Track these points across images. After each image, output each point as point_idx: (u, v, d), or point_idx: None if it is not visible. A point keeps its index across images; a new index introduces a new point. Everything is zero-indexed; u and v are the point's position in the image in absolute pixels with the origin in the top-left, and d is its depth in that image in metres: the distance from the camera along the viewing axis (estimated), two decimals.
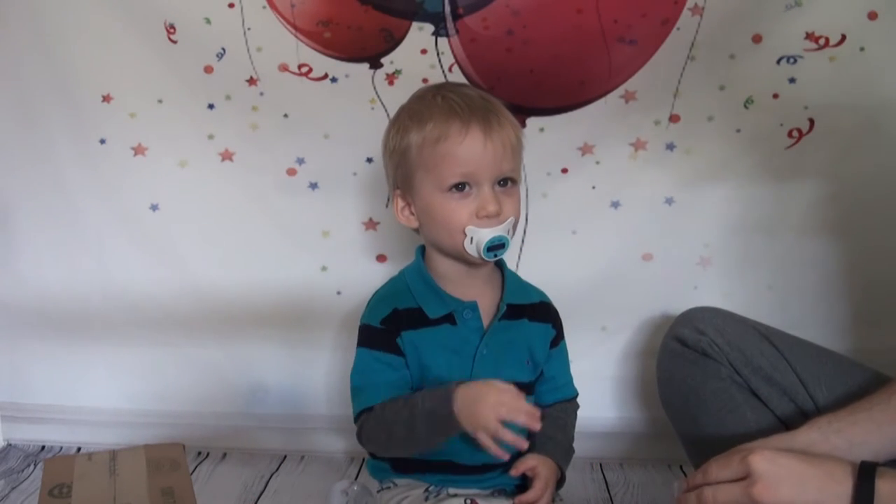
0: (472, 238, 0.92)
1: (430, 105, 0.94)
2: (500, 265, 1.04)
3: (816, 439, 0.81)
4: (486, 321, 0.99)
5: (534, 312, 1.03)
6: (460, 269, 0.98)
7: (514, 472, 0.96)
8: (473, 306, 0.98)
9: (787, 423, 0.98)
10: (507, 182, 0.94)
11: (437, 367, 0.97)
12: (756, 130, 1.27)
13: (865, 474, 0.70)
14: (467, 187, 0.92)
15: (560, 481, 1.00)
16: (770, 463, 0.71)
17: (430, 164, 0.92)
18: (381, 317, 0.98)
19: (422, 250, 1.03)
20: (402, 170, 0.96)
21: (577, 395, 1.08)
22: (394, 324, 0.97)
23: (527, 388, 1.03)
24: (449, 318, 0.98)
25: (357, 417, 0.98)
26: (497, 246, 0.92)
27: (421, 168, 0.94)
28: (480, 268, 0.99)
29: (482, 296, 1.00)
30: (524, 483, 1.01)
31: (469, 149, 0.91)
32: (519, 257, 1.32)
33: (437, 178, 0.92)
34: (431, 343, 0.97)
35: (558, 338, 1.06)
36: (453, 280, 0.99)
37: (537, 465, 0.96)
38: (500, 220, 0.92)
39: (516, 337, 1.01)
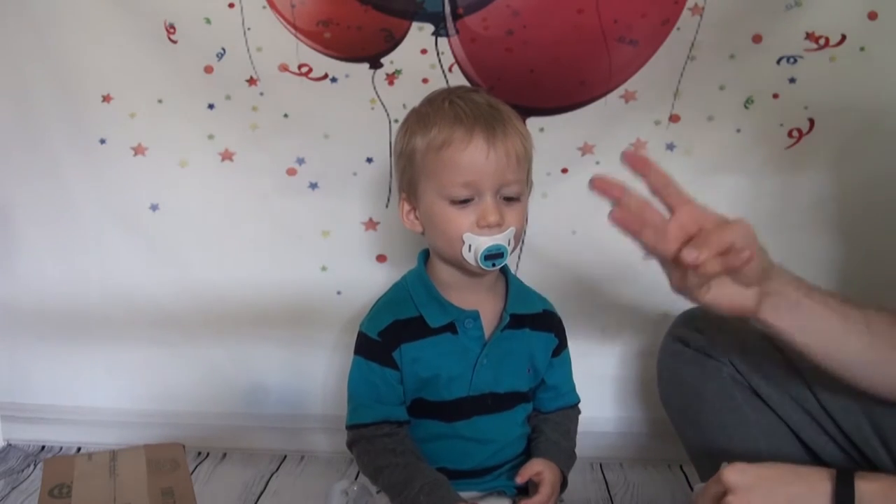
0: (469, 246, 0.91)
1: (437, 110, 0.93)
2: (505, 272, 1.03)
3: (780, 277, 0.77)
4: (487, 330, 0.99)
5: (536, 322, 1.03)
6: (462, 277, 0.97)
7: (520, 479, 0.96)
8: (475, 315, 0.98)
9: (789, 423, 0.98)
10: (511, 192, 0.92)
11: (437, 377, 0.97)
12: (756, 130, 1.27)
13: (844, 475, 0.70)
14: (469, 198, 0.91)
15: (562, 486, 1.00)
16: (741, 473, 0.72)
17: (433, 170, 0.92)
18: (379, 328, 0.98)
19: (424, 255, 1.03)
20: (407, 174, 0.96)
21: (578, 401, 1.08)
22: (392, 336, 0.97)
23: (526, 396, 1.04)
24: (450, 328, 0.98)
25: (348, 427, 1.00)
26: (495, 255, 0.91)
27: (424, 173, 0.93)
28: (483, 276, 0.97)
29: (484, 304, 1.00)
30: (523, 485, 1.02)
31: (471, 157, 0.89)
32: (519, 257, 1.32)
33: (439, 185, 0.91)
34: (431, 352, 0.97)
35: (561, 346, 1.06)
36: (455, 287, 0.98)
37: (543, 471, 0.96)
38: (500, 231, 0.91)
39: (517, 346, 1.01)
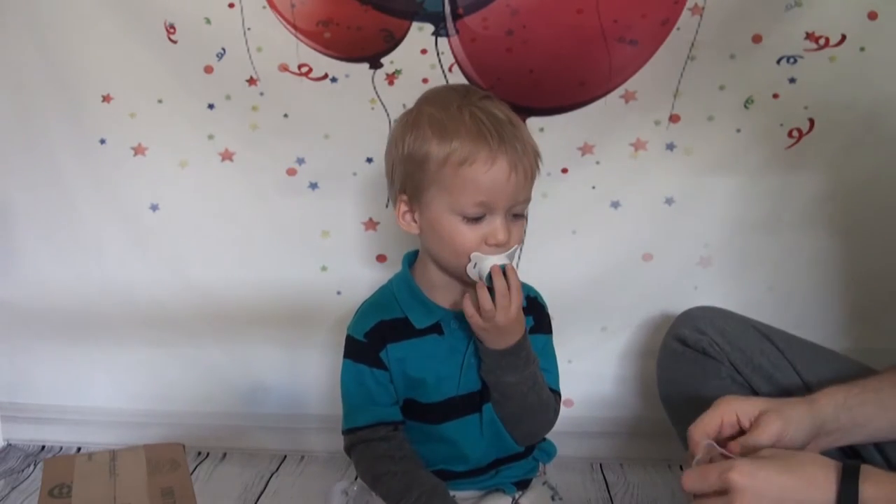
0: (475, 264, 0.90)
1: (455, 120, 0.90)
2: None
3: (828, 416, 0.81)
4: None
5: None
6: (451, 280, 0.96)
7: None
8: (460, 315, 0.96)
9: None
10: (520, 210, 0.92)
11: (425, 378, 0.97)
12: (756, 130, 1.27)
13: (849, 476, 0.70)
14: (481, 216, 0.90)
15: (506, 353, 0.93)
16: (750, 478, 0.70)
17: (449, 184, 0.89)
18: (364, 330, 0.98)
19: (409, 258, 1.02)
20: (413, 178, 0.92)
21: (559, 391, 1.03)
22: (378, 337, 0.97)
23: None
24: (436, 328, 0.97)
25: (344, 432, 1.01)
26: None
27: (437, 184, 0.90)
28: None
29: None
30: (522, 482, 1.02)
31: (493, 178, 0.88)
32: (519, 258, 1.32)
33: (453, 200, 0.89)
34: (418, 354, 0.97)
35: (537, 328, 1.01)
36: (443, 288, 0.97)
37: None
38: (506, 249, 0.91)
39: None
